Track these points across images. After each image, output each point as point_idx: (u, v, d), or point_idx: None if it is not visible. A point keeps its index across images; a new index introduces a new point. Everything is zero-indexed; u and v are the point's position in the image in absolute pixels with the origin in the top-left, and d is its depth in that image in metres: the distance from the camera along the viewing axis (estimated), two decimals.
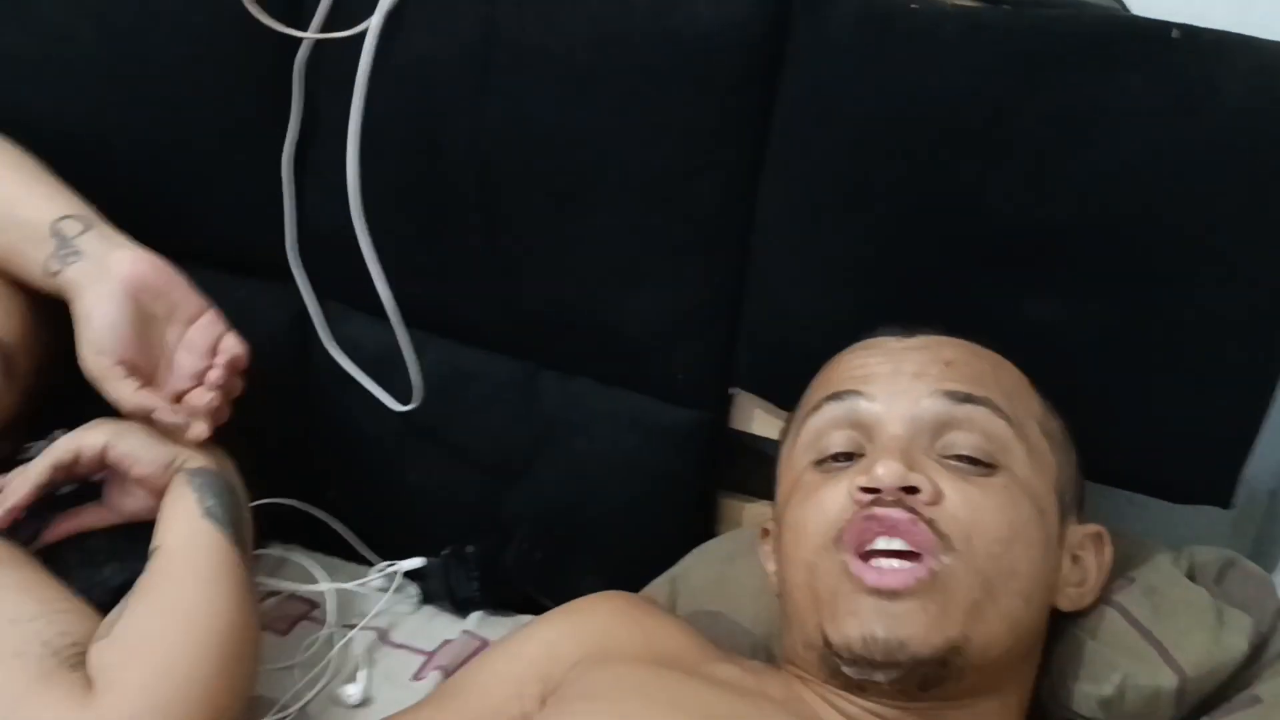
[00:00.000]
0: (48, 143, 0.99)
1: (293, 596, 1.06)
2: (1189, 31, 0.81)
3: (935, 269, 0.91)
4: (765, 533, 0.91)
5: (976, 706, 0.78)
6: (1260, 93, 0.81)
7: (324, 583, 1.07)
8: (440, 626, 1.07)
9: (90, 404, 0.93)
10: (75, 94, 1.05)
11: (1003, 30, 0.85)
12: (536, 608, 1.01)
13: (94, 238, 0.92)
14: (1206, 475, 0.91)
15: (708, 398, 1.04)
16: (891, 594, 0.74)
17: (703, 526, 1.09)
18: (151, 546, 0.89)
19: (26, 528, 0.92)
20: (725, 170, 0.95)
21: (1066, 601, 0.83)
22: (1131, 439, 0.91)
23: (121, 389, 0.90)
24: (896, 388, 0.81)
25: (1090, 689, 0.81)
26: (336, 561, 1.13)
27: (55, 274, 0.91)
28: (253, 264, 1.10)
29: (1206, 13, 0.82)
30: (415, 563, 1.09)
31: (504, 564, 1.08)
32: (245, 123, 1.04)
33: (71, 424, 0.94)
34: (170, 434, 0.92)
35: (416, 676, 1.01)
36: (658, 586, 1.00)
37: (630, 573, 1.01)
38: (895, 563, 0.74)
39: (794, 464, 0.85)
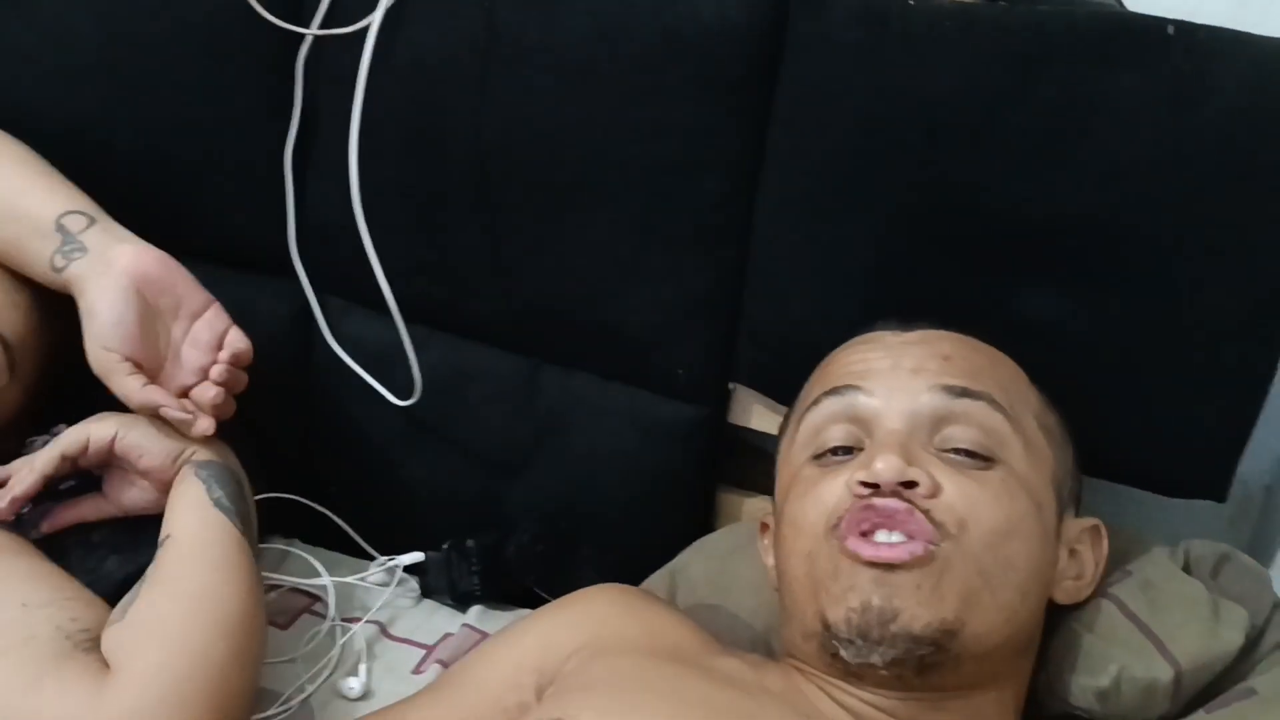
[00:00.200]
0: (49, 138, 0.99)
1: (294, 590, 1.06)
2: (1185, 28, 0.82)
3: (933, 264, 0.92)
4: (764, 527, 0.92)
5: (973, 698, 0.78)
6: (1256, 89, 0.81)
7: (325, 577, 1.07)
8: (441, 620, 1.07)
9: (92, 398, 0.93)
10: (77, 90, 1.06)
11: (999, 27, 0.85)
12: (537, 602, 1.01)
13: (99, 232, 0.93)
14: (1202, 470, 0.92)
15: (707, 393, 1.04)
16: (888, 567, 0.74)
17: (702, 521, 1.10)
18: (162, 536, 0.90)
19: (29, 519, 0.93)
20: (725, 166, 0.95)
21: (1063, 595, 0.83)
22: (1127, 433, 0.92)
23: (128, 384, 0.90)
24: (895, 383, 0.82)
25: (1087, 681, 0.82)
26: (337, 556, 1.13)
27: (60, 269, 0.92)
28: (254, 260, 1.10)
29: (1202, 9, 0.82)
30: (415, 557, 1.09)
31: (504, 558, 1.08)
32: (247, 118, 1.05)
33: (73, 418, 0.94)
34: (176, 428, 0.92)
35: (417, 670, 1.01)
36: (657, 580, 1.00)
37: (630, 567, 1.01)
38: (893, 535, 0.75)
39: (792, 459, 0.85)
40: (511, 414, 1.09)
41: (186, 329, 0.94)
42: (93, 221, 0.93)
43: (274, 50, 1.01)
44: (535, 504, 1.11)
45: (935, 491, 0.76)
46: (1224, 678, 0.81)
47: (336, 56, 0.99)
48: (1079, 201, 0.86)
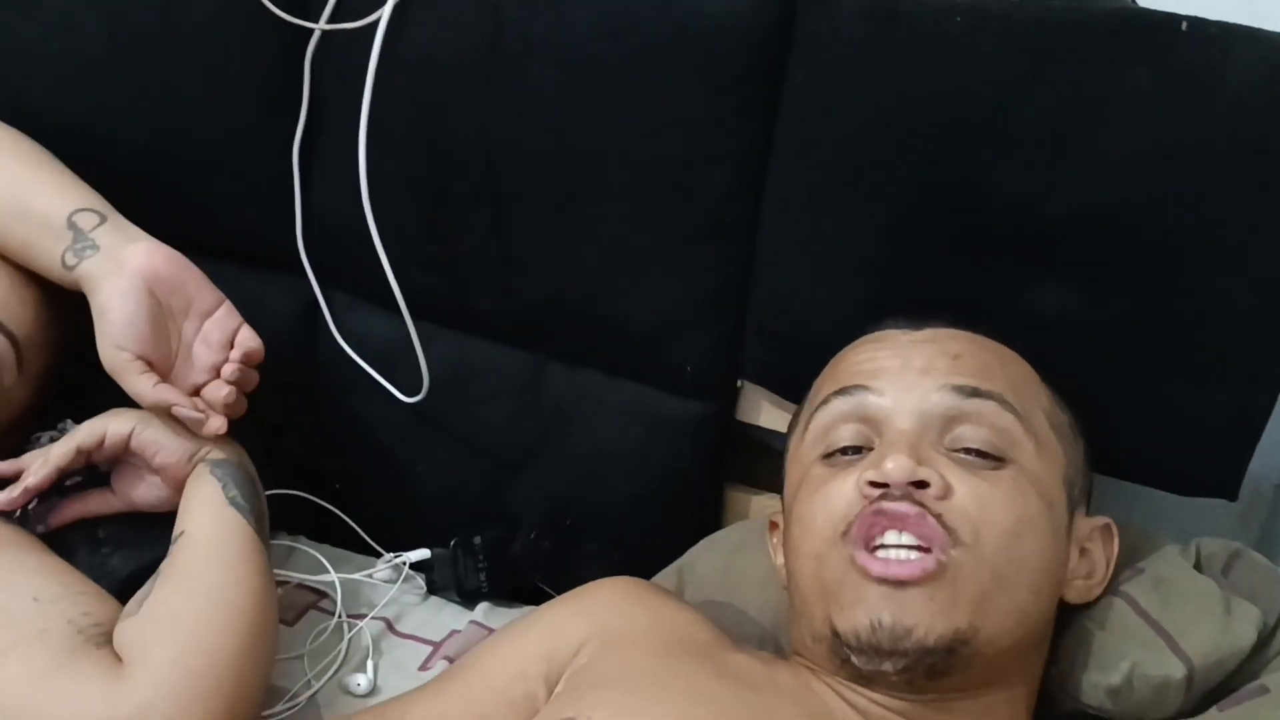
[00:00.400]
0: (57, 136, 0.99)
1: (301, 586, 1.06)
2: (1196, 24, 0.81)
3: (942, 261, 0.91)
4: (773, 525, 0.92)
5: (985, 698, 0.78)
6: (1267, 85, 0.81)
7: (332, 573, 1.07)
8: (447, 617, 1.07)
9: (99, 395, 0.93)
10: (84, 86, 1.06)
11: (1009, 22, 0.85)
12: (543, 599, 1.01)
13: (110, 231, 0.93)
14: (1213, 467, 0.91)
15: (715, 390, 1.04)
16: (899, 583, 0.74)
17: (710, 518, 1.10)
18: (176, 532, 0.91)
19: (35, 514, 0.93)
20: (732, 161, 0.95)
21: (1074, 594, 0.83)
22: (1138, 431, 0.91)
23: (140, 383, 0.90)
24: (904, 382, 0.81)
25: (1098, 679, 0.81)
26: (344, 552, 1.13)
27: (72, 267, 0.91)
28: (261, 255, 1.10)
29: (1214, 5, 0.82)
30: (422, 554, 1.09)
31: (511, 555, 1.08)
32: (254, 114, 1.05)
33: (81, 415, 0.94)
34: (189, 428, 0.92)
35: (423, 666, 1.02)
36: (665, 577, 1.00)
37: (637, 564, 1.00)
38: (903, 553, 0.75)
39: (802, 458, 0.85)
40: (518, 411, 1.09)
41: (198, 327, 0.94)
42: (104, 219, 0.93)
43: (281, 45, 1.00)
44: (542, 501, 1.11)
45: (947, 493, 0.76)
46: (1236, 675, 0.81)
47: (344, 52, 0.98)
48: (1089, 197, 0.86)
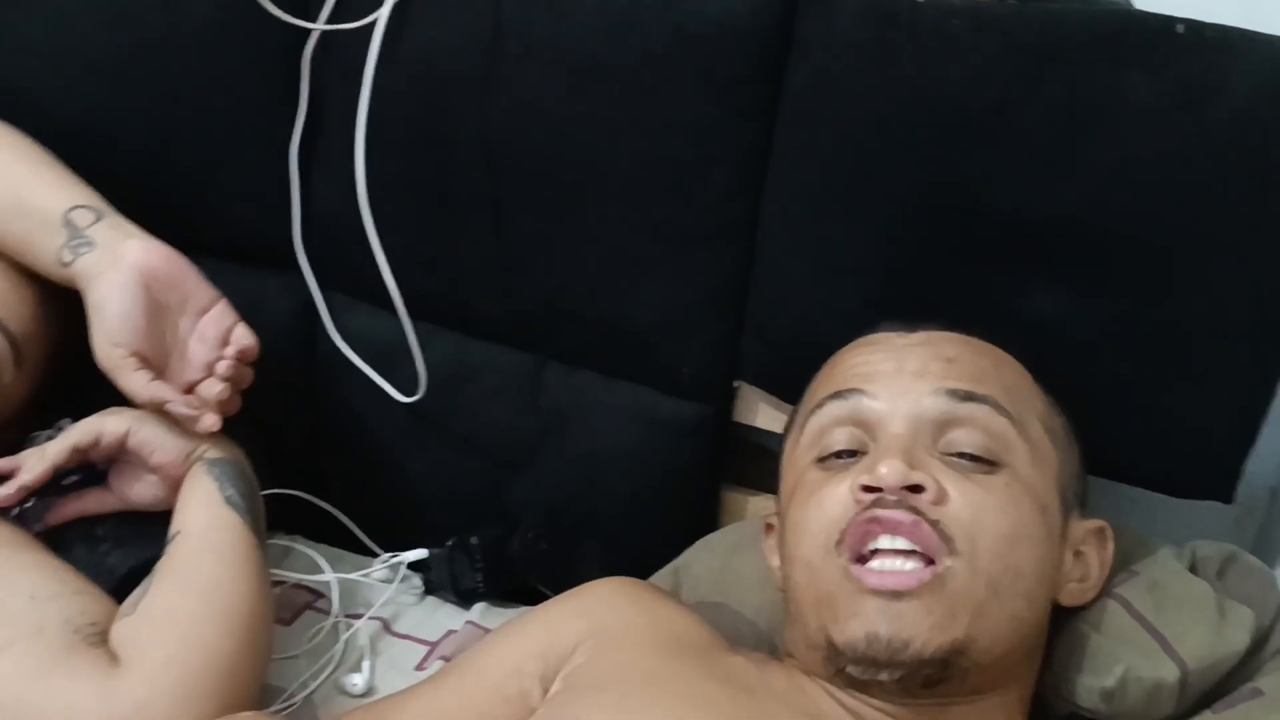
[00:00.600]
0: (56, 134, 0.99)
1: (297, 586, 1.06)
2: (1194, 27, 0.81)
3: (940, 263, 0.91)
4: (769, 527, 0.91)
5: (979, 702, 0.78)
6: (1265, 89, 0.81)
7: (328, 573, 1.07)
8: (444, 617, 1.07)
9: (97, 393, 0.93)
10: (82, 84, 1.06)
11: (1008, 25, 0.85)
12: (540, 599, 1.01)
13: (106, 228, 0.93)
14: (1208, 470, 0.91)
15: (712, 391, 1.04)
16: (894, 594, 0.74)
17: (706, 519, 1.09)
18: (172, 531, 0.91)
19: (32, 512, 0.93)
20: (731, 163, 0.95)
21: (1068, 597, 0.83)
22: (1134, 434, 0.91)
23: (135, 380, 0.90)
24: (899, 386, 0.81)
25: (1092, 681, 0.81)
26: (340, 552, 1.13)
27: (68, 264, 0.92)
28: (259, 255, 1.10)
29: (1211, 9, 0.82)
30: (419, 554, 1.09)
31: (508, 555, 1.08)
32: (252, 113, 1.05)
33: (78, 413, 0.94)
34: (183, 425, 0.92)
35: (420, 667, 1.02)
36: (661, 578, 1.00)
37: (634, 564, 1.00)
38: (898, 563, 0.75)
39: (796, 461, 0.85)
40: (516, 411, 1.09)
41: (193, 324, 0.94)
42: (100, 216, 0.93)
43: (280, 45, 1.00)
44: (539, 501, 1.11)
45: (941, 498, 0.76)
46: (1230, 678, 0.81)
47: (343, 52, 0.98)
48: (1086, 200, 0.86)
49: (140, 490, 0.94)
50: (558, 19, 0.94)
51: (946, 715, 0.77)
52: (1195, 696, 0.81)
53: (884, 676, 0.74)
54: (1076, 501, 0.84)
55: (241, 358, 0.94)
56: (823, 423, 0.83)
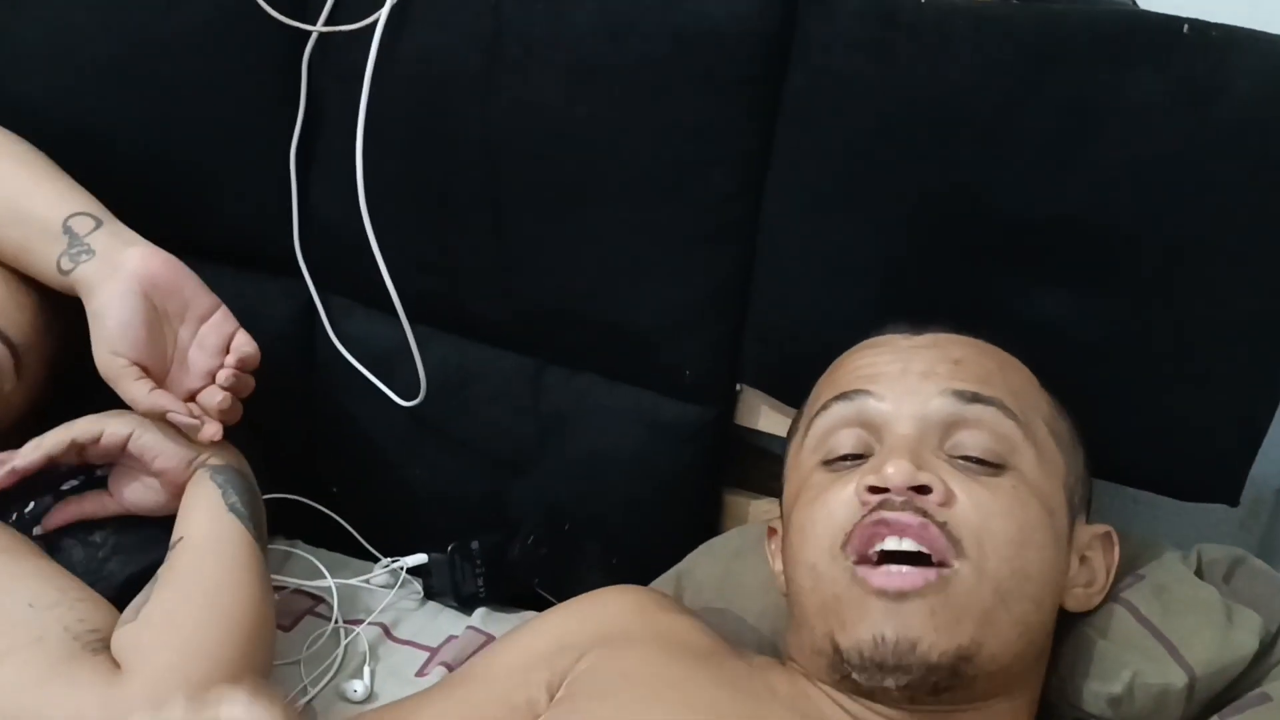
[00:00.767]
0: (54, 138, 0.99)
1: (297, 592, 1.06)
2: (1199, 27, 0.81)
3: (943, 264, 0.91)
4: (772, 531, 0.91)
5: (986, 709, 0.78)
6: (1269, 88, 0.81)
7: (329, 578, 1.06)
8: (444, 622, 1.07)
9: (98, 400, 0.93)
10: (81, 87, 1.05)
11: (1011, 25, 0.85)
12: (541, 604, 1.01)
13: (106, 235, 0.92)
14: (1214, 473, 0.91)
15: (714, 394, 1.04)
16: (900, 595, 0.73)
17: (708, 523, 1.09)
18: (174, 538, 0.90)
19: (31, 516, 0.92)
20: (732, 164, 0.95)
21: (1074, 602, 0.82)
22: (1139, 437, 0.91)
23: (135, 389, 0.90)
24: (905, 387, 0.81)
25: (1099, 687, 0.81)
26: (341, 557, 1.13)
27: (68, 272, 0.91)
28: (258, 258, 1.10)
29: (1216, 8, 0.82)
30: (419, 559, 1.09)
31: (509, 560, 1.08)
32: (252, 116, 1.04)
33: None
34: (184, 433, 0.92)
35: (421, 673, 1.01)
36: (664, 583, 1.00)
37: (636, 568, 1.00)
38: (904, 567, 0.74)
39: (801, 463, 0.85)
40: (516, 414, 1.08)
41: (194, 332, 0.94)
42: (100, 224, 0.93)
43: (279, 47, 1.00)
44: (540, 505, 1.10)
45: (949, 500, 0.76)
46: (1238, 683, 0.81)
47: (342, 54, 0.98)
48: (1090, 201, 0.86)
49: (140, 495, 0.94)
50: (558, 20, 0.93)
51: None
52: (1203, 702, 0.81)
53: (890, 683, 0.74)
54: (1082, 506, 0.84)
55: (242, 366, 0.94)
56: (828, 424, 0.83)
